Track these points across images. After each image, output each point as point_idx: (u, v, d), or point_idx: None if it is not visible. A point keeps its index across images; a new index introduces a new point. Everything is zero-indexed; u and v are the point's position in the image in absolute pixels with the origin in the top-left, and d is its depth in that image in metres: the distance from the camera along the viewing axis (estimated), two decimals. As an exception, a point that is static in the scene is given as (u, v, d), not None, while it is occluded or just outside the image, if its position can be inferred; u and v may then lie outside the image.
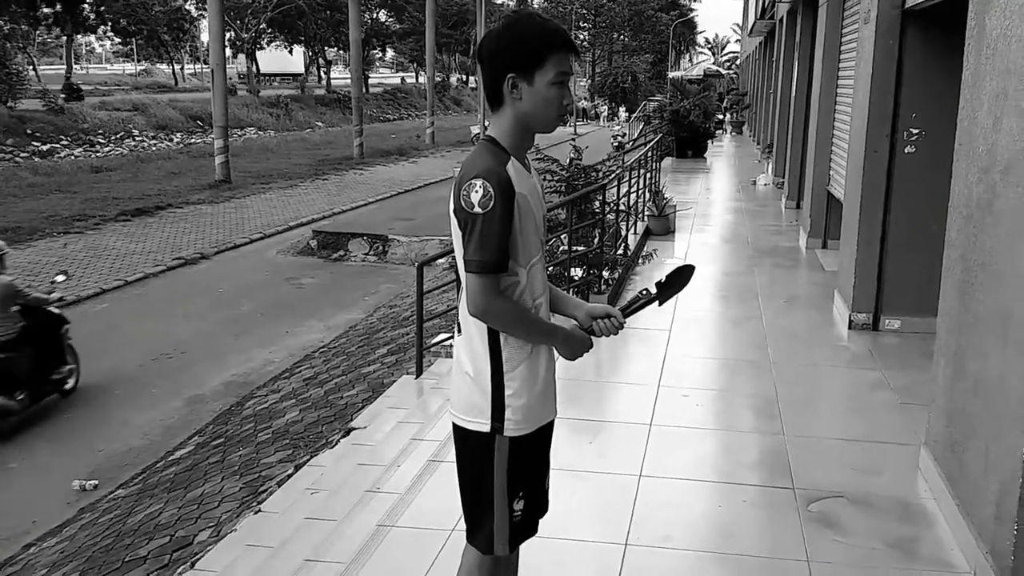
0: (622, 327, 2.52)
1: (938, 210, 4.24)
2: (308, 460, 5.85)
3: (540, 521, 2.57)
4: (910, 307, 6.44)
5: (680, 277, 2.65)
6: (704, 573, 3.56)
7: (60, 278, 8.12)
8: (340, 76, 63.69)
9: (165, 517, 5.75)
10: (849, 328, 6.71)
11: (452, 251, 8.43)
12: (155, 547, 5.27)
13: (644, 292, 2.59)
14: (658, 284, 2.63)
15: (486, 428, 2.37)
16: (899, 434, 4.78)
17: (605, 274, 7.95)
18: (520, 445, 2.39)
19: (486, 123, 32.19)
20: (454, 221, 2.31)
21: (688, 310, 7.50)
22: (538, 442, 2.47)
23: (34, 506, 6.44)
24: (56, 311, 8.46)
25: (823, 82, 9.50)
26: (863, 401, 5.44)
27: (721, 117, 32.84)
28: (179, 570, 4.61)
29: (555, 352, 2.50)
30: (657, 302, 2.60)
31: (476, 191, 2.18)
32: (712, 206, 14.38)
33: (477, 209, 2.18)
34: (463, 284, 2.34)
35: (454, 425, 2.47)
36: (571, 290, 7.60)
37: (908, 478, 4.28)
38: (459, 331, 2.44)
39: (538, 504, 2.54)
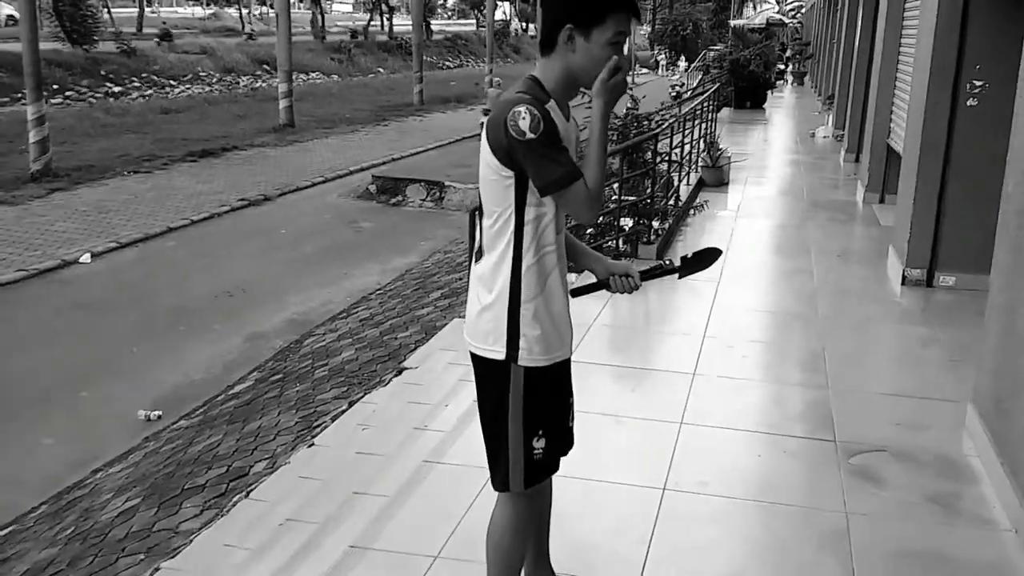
0: (638, 288, 2.55)
1: (999, 165, 4.14)
2: (361, 397, 6.01)
3: (575, 461, 2.65)
4: (966, 264, 6.32)
5: (705, 258, 2.70)
6: (741, 519, 3.63)
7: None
8: (402, 23, 63.35)
9: (223, 448, 6.00)
10: (902, 284, 6.62)
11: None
12: (213, 476, 5.52)
13: (668, 262, 2.64)
14: (683, 259, 2.67)
15: (501, 356, 2.41)
16: (947, 391, 4.75)
17: (655, 224, 7.93)
18: (535, 377, 2.43)
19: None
20: (491, 157, 2.30)
21: (738, 262, 7.47)
22: (554, 376, 2.50)
23: (103, 433, 6.77)
24: None
25: (886, 32, 9.21)
26: (912, 357, 5.40)
27: (782, 67, 31.94)
28: (234, 499, 4.82)
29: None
30: (677, 275, 2.65)
31: (523, 118, 2.20)
32: (769, 158, 14.13)
33: (530, 135, 2.20)
34: (489, 209, 2.37)
35: (472, 354, 2.51)
36: (620, 239, 7.61)
37: (953, 435, 4.26)
38: (478, 257, 2.46)
39: (560, 443, 2.59)
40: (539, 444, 2.48)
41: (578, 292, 2.65)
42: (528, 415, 2.45)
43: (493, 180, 2.34)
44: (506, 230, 2.36)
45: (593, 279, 2.67)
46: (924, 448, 4.13)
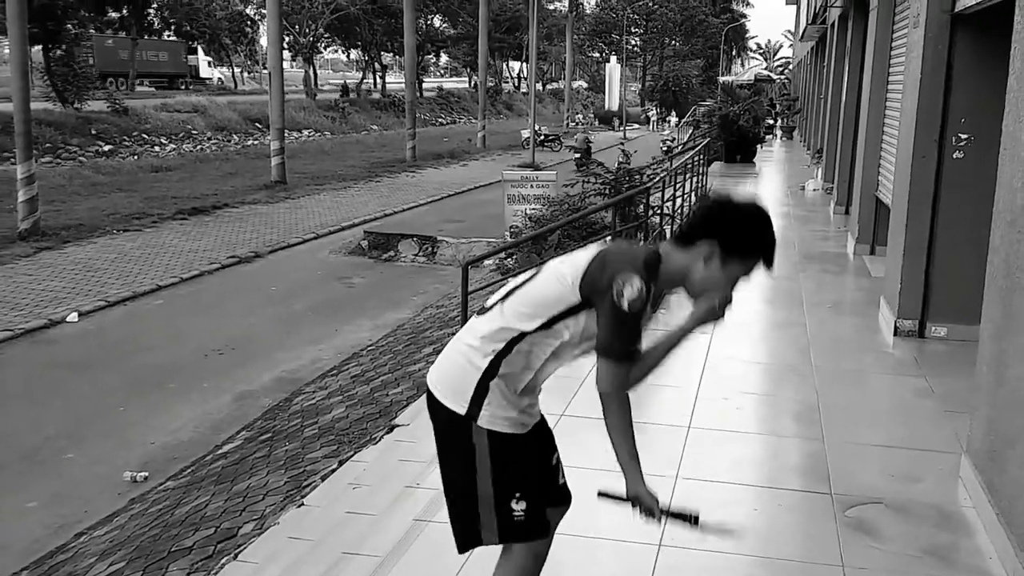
0: (657, 522, 2.54)
1: (986, 216, 4.18)
2: (352, 456, 5.94)
3: (569, 516, 2.60)
4: (957, 314, 6.33)
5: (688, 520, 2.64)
6: (738, 575, 3.56)
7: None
8: (395, 81, 64.32)
9: (211, 509, 5.91)
10: (894, 335, 6.62)
11: (496, 253, 8.42)
12: (201, 538, 5.42)
13: (694, 519, 2.56)
14: (692, 518, 2.59)
15: (462, 411, 2.40)
16: (941, 442, 4.72)
17: (649, 277, 7.96)
18: (501, 440, 2.41)
19: (537, 128, 32.28)
20: (576, 278, 2.33)
21: (731, 314, 7.47)
22: (526, 440, 2.48)
23: (87, 496, 6.66)
24: None
25: (873, 87, 9.38)
26: (906, 408, 5.38)
27: (771, 122, 32.45)
28: (223, 561, 4.73)
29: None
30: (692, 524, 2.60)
31: (633, 288, 2.24)
32: (761, 211, 14.24)
33: (626, 306, 2.24)
34: (530, 297, 2.40)
35: (431, 399, 2.49)
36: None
37: (948, 486, 4.22)
38: (480, 312, 2.48)
39: (549, 501, 2.53)
40: (518, 507, 2.43)
41: (604, 495, 2.62)
42: (499, 478, 2.42)
43: (557, 288, 2.36)
44: (530, 323, 2.38)
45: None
46: (919, 499, 4.09)
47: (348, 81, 60.83)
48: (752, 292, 8.45)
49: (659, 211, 9.09)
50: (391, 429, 6.20)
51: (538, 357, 2.42)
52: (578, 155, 23.31)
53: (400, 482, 4.64)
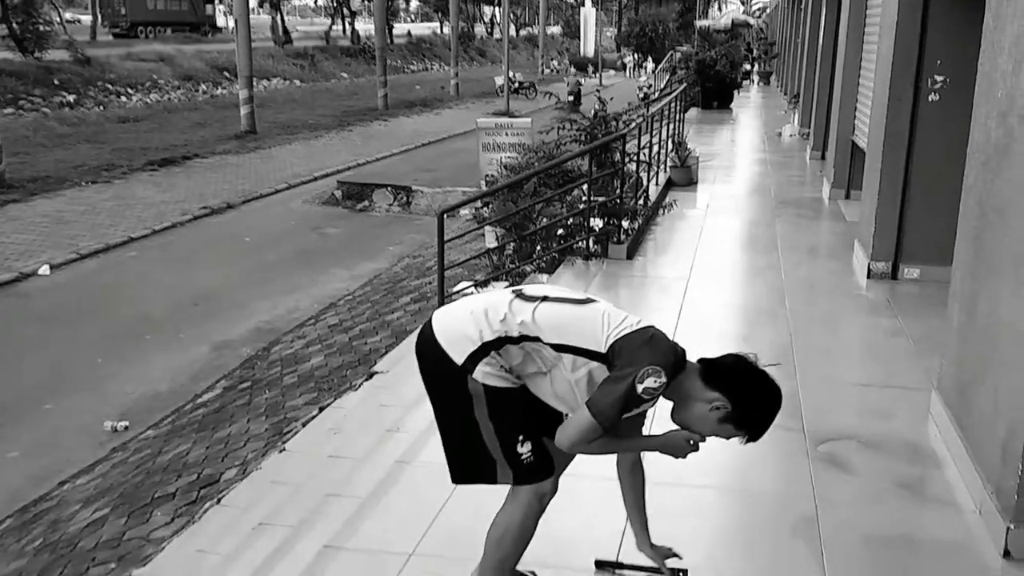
0: None
1: (961, 158, 4.22)
2: (332, 402, 5.97)
3: None
4: (930, 256, 6.42)
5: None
6: (713, 507, 3.66)
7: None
8: (365, 26, 63.09)
9: (193, 456, 5.94)
10: (868, 277, 6.71)
11: (471, 201, 8.37)
12: (183, 484, 5.45)
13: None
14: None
15: (458, 361, 2.47)
16: (913, 380, 4.82)
17: (625, 224, 7.97)
18: (493, 391, 2.48)
19: (511, 74, 31.90)
20: (612, 339, 2.41)
21: (708, 259, 7.54)
22: (515, 390, 2.53)
23: (68, 446, 6.66)
24: None
25: (849, 30, 9.36)
26: (878, 348, 5.48)
27: (748, 67, 32.30)
28: (206, 506, 4.76)
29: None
30: None
31: (655, 383, 2.34)
32: (736, 157, 14.27)
33: (639, 390, 2.34)
34: (560, 307, 2.50)
35: (430, 337, 2.53)
36: (590, 239, 7.64)
37: (919, 422, 4.33)
38: (517, 294, 2.56)
39: (544, 434, 2.58)
40: (524, 448, 2.53)
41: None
42: (500, 427, 2.51)
43: (592, 331, 2.44)
44: (550, 336, 2.44)
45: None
46: (890, 435, 4.20)
47: (321, 29, 59.73)
48: (728, 238, 8.51)
49: (635, 158, 9.07)
50: (371, 376, 6.23)
51: (534, 364, 2.50)
52: (571, 98, 23.16)
53: (381, 426, 4.68)
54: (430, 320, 2.61)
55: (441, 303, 6.89)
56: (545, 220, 8.03)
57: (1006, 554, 3.16)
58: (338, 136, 23.97)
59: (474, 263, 9.01)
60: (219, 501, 4.63)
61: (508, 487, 2.65)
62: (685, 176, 11.27)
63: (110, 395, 7.55)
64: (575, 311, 2.49)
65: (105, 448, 6.61)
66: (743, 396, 2.45)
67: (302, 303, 10.01)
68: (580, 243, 7.70)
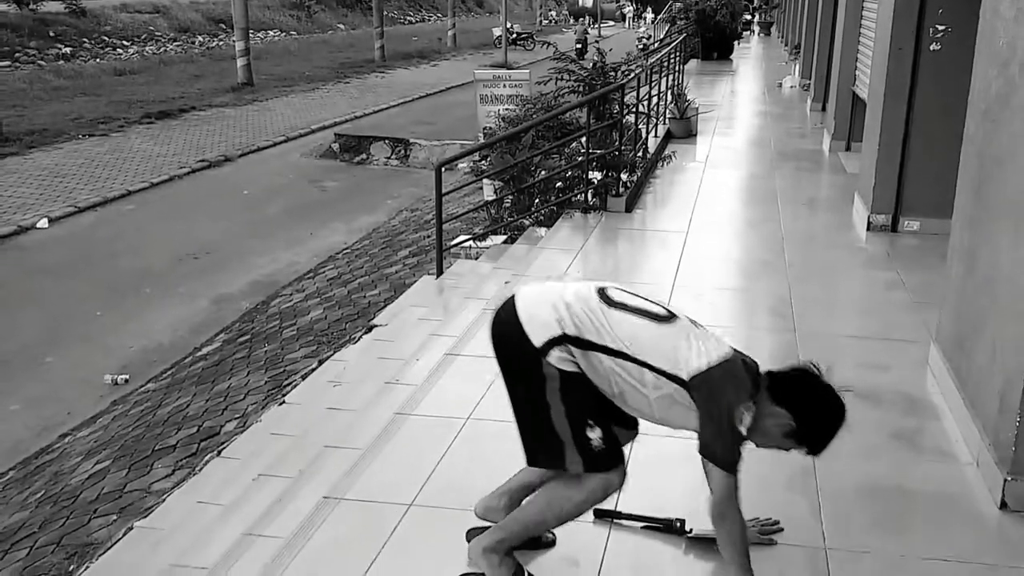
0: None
1: (962, 109, 4.16)
2: (331, 355, 6.01)
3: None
4: (930, 208, 6.38)
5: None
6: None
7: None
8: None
9: (193, 409, 5.97)
10: (868, 230, 6.68)
11: (469, 153, 8.26)
12: (184, 436, 5.50)
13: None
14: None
15: (536, 344, 2.47)
16: (911, 332, 4.81)
17: (624, 176, 7.91)
18: (566, 375, 2.49)
19: (509, 25, 31.47)
20: (687, 360, 2.42)
21: (706, 212, 7.50)
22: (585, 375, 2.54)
23: (68, 399, 6.70)
24: None
25: (854, -23, 9.20)
26: (877, 301, 5.47)
27: (749, 18, 31.84)
28: (207, 458, 4.82)
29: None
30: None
31: (749, 415, 2.43)
32: (736, 109, 14.14)
33: (741, 428, 2.42)
34: (644, 324, 2.49)
35: (512, 317, 2.54)
36: (589, 192, 7.59)
37: (917, 374, 4.33)
38: (603, 297, 2.55)
39: (612, 423, 2.60)
40: (594, 434, 2.52)
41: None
42: (571, 411, 2.51)
43: (672, 355, 2.44)
44: (630, 348, 2.45)
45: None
46: (888, 387, 4.20)
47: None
48: (727, 191, 8.46)
49: (634, 110, 8.97)
50: (370, 329, 6.24)
51: (612, 377, 2.50)
52: (578, 46, 22.85)
53: (380, 378, 4.69)
54: (513, 299, 2.61)
55: (440, 257, 6.88)
56: (543, 173, 7.98)
57: (1003, 505, 3.18)
58: (335, 88, 23.74)
59: (472, 216, 8.97)
60: (219, 453, 4.68)
61: None
62: (684, 128, 11.17)
63: (110, 348, 7.57)
64: (659, 330, 2.48)
65: (106, 401, 6.65)
66: (808, 414, 2.47)
67: (301, 256, 10.00)
68: (578, 196, 7.65)
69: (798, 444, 2.51)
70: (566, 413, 2.50)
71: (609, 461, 2.56)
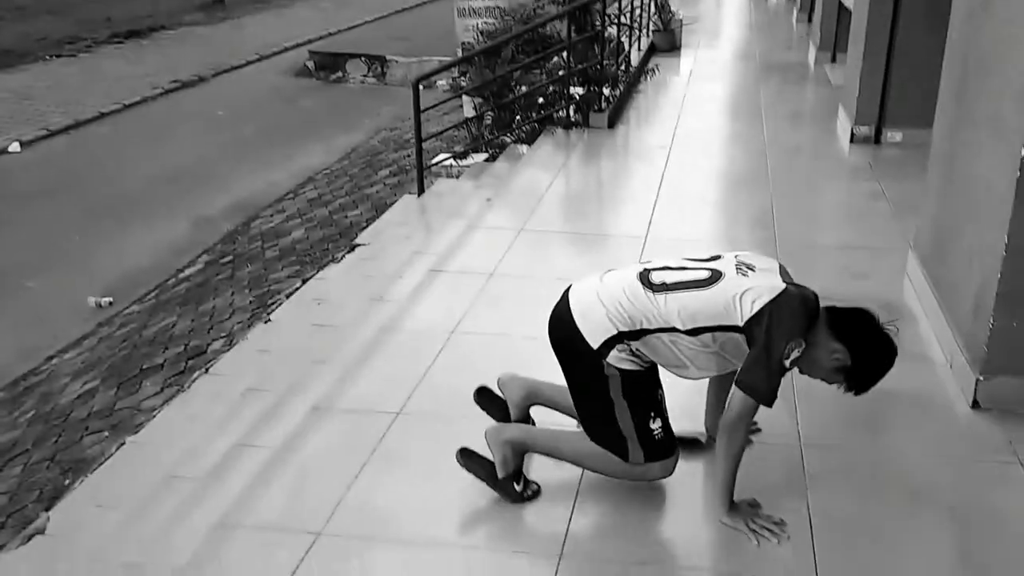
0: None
1: (947, 18, 4.12)
2: (315, 274, 5.99)
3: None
4: (913, 119, 6.36)
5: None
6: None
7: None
8: None
9: (179, 329, 5.99)
10: (851, 142, 6.68)
11: (447, 68, 8.04)
12: (171, 355, 5.52)
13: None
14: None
15: (594, 346, 2.56)
16: (891, 241, 4.87)
17: (606, 91, 7.82)
18: (627, 374, 2.59)
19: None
20: (740, 310, 2.45)
21: (691, 126, 7.46)
22: (645, 371, 2.63)
23: (53, 322, 6.68)
24: None
25: None
26: (858, 211, 5.51)
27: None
28: (194, 376, 4.85)
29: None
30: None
31: (798, 351, 2.44)
32: (721, 21, 13.93)
33: (788, 365, 2.45)
34: (688, 295, 2.52)
35: (568, 319, 2.62)
36: (571, 107, 7.51)
37: (895, 281, 4.40)
38: (644, 281, 2.58)
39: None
40: (656, 425, 2.66)
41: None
42: (635, 408, 2.62)
43: (724, 311, 2.47)
44: (684, 324, 2.50)
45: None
46: (867, 294, 4.25)
47: None
48: (712, 105, 8.40)
49: (617, 21, 8.82)
50: (353, 248, 6.23)
51: (671, 353, 2.57)
52: None
53: (365, 296, 4.70)
54: (567, 298, 2.69)
55: (420, 176, 6.81)
56: (524, 88, 7.87)
57: (975, 404, 3.28)
58: (308, 4, 23.10)
59: (453, 134, 8.87)
60: (207, 371, 4.71)
61: None
62: (668, 41, 11.00)
63: (92, 271, 7.53)
64: (706, 294, 2.51)
65: (91, 323, 6.64)
66: (865, 353, 2.52)
67: (279, 177, 9.89)
68: (560, 112, 7.58)
69: (845, 380, 2.57)
70: (629, 408, 2.62)
71: (667, 449, 2.71)
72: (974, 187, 3.49)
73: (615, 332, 2.55)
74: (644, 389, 2.65)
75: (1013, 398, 3.24)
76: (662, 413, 2.69)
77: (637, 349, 2.57)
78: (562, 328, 2.66)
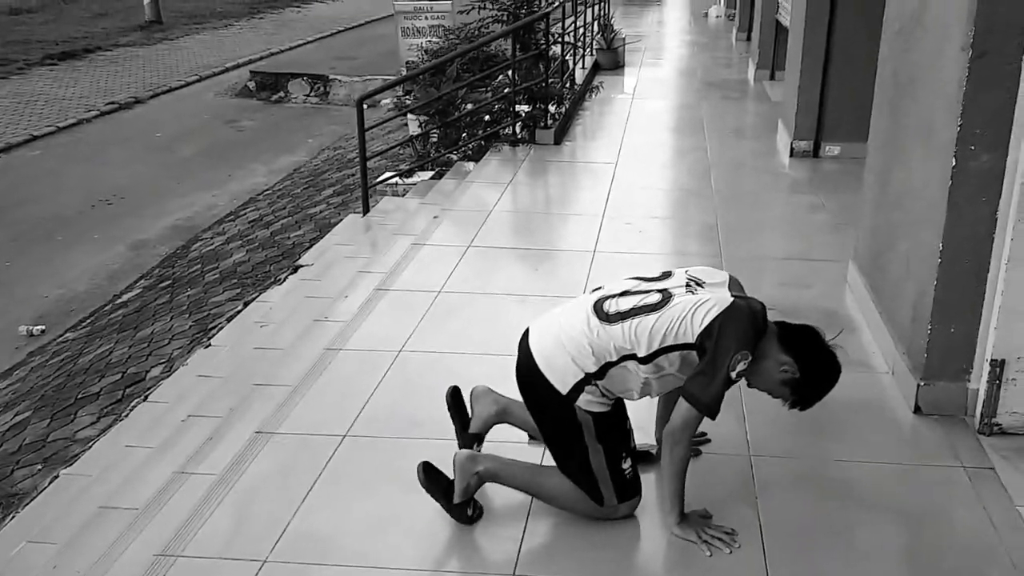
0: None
1: (880, 35, 4.22)
2: (256, 296, 5.88)
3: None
4: (850, 133, 6.51)
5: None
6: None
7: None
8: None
9: (116, 356, 5.81)
10: (791, 156, 6.80)
11: (391, 87, 7.98)
12: (107, 384, 5.35)
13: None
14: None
15: (562, 391, 2.56)
16: (832, 252, 4.94)
17: (552, 108, 7.86)
18: (598, 416, 2.60)
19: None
20: (692, 325, 2.47)
21: (635, 142, 7.52)
22: (614, 411, 2.66)
23: (-18, 351, 6.44)
24: None
25: (774, -97, 9.18)
26: (800, 224, 5.59)
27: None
28: (133, 403, 4.70)
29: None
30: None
31: (744, 363, 2.46)
32: (663, 39, 14.14)
33: (734, 377, 2.46)
34: (645, 320, 2.51)
35: (532, 366, 2.61)
36: (517, 124, 7.52)
37: (836, 291, 4.46)
38: (604, 317, 2.57)
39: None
40: (627, 464, 2.70)
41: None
42: (608, 449, 2.64)
43: (677, 329, 2.48)
44: (644, 349, 2.50)
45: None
46: (809, 304, 4.32)
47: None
48: (655, 121, 8.49)
49: (561, 40, 8.88)
50: (295, 269, 6.13)
51: (638, 378, 2.57)
52: None
53: (308, 316, 4.62)
54: (527, 344, 2.68)
55: (365, 194, 6.74)
56: (470, 106, 7.86)
57: (916, 409, 3.33)
58: (248, 24, 22.90)
59: (398, 153, 8.82)
60: (146, 398, 4.57)
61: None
62: (612, 59, 11.11)
63: (23, 298, 7.28)
64: (659, 316, 2.52)
65: (22, 352, 6.42)
66: (813, 368, 2.56)
67: (220, 199, 9.72)
68: (507, 129, 7.58)
69: (792, 393, 2.59)
70: (604, 451, 2.63)
71: (635, 488, 2.73)
72: (909, 197, 3.56)
73: (582, 375, 2.56)
74: (617, 428, 2.68)
75: (953, 403, 3.29)
76: (631, 450, 2.73)
77: (605, 388, 2.58)
78: (529, 375, 2.66)
